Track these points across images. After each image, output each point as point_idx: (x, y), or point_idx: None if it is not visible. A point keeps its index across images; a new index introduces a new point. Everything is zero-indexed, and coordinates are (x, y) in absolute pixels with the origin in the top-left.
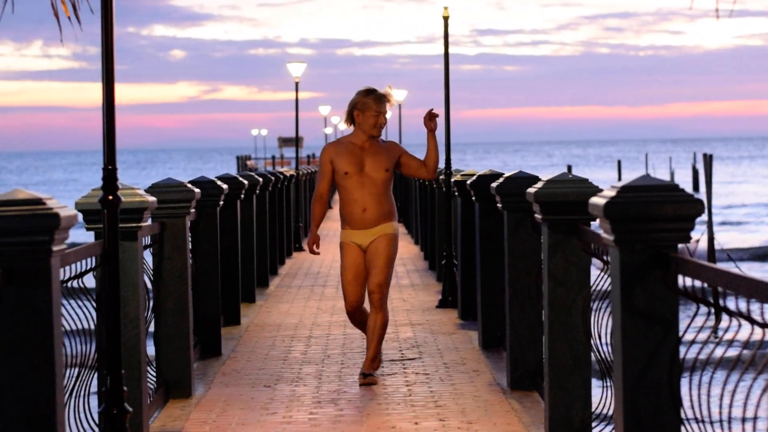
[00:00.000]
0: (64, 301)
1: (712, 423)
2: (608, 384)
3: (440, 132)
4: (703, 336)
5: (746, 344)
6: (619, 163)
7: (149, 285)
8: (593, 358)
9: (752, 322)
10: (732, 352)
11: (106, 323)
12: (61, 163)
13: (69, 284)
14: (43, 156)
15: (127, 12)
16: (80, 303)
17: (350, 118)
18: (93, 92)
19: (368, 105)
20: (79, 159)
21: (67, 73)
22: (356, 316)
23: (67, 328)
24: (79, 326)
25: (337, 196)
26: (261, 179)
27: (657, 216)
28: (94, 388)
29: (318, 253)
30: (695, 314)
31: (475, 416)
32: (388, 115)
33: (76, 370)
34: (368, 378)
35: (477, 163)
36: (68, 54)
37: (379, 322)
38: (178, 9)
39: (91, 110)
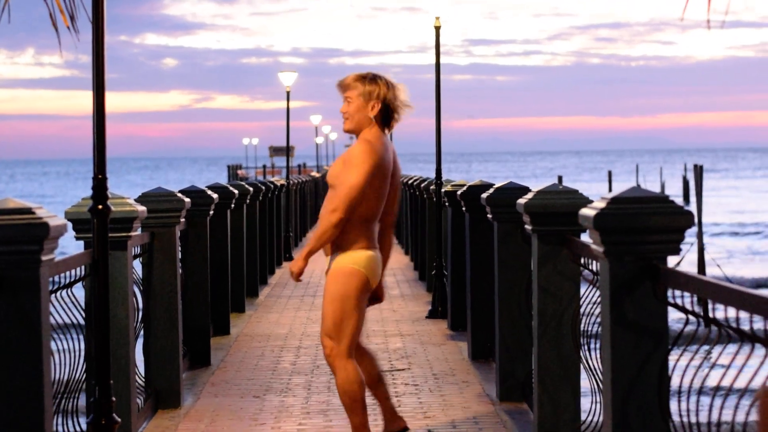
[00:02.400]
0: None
1: None
2: (597, 396)
3: (431, 141)
4: (692, 347)
5: (734, 356)
6: (609, 173)
7: (139, 295)
8: (582, 369)
9: (741, 334)
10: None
11: (95, 333)
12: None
13: (58, 294)
14: (34, 164)
15: (119, 20)
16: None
17: None
18: (85, 100)
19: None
20: (72, 168)
21: (60, 81)
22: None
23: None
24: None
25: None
26: (251, 189)
27: (646, 227)
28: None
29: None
30: (684, 326)
31: (465, 427)
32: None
33: (65, 379)
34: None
35: (467, 173)
36: (60, 62)
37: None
38: (170, 18)
39: (83, 118)
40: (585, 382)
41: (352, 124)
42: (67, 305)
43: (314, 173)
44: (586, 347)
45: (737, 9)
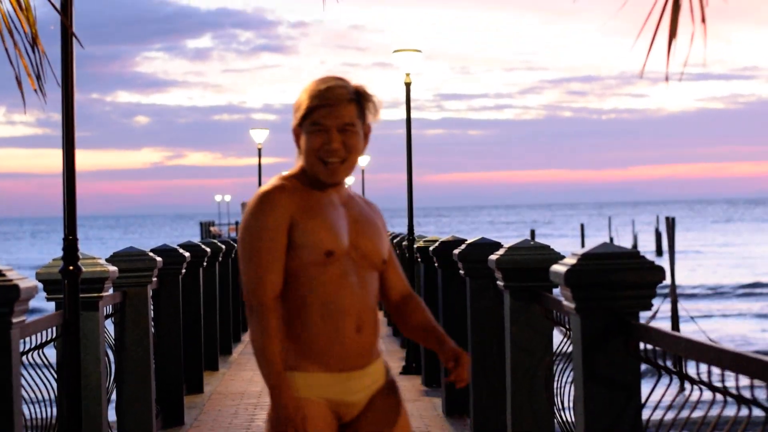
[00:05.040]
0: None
1: None
2: None
3: (402, 196)
4: (666, 402)
5: (707, 412)
6: (582, 227)
7: (111, 354)
8: (556, 424)
9: (714, 389)
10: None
11: (67, 393)
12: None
13: (29, 355)
14: (4, 223)
15: (91, 79)
16: (40, 374)
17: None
18: (57, 159)
19: (302, 113)
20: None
21: (31, 140)
22: None
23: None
24: (39, 397)
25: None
26: (223, 246)
27: (618, 283)
28: None
29: None
30: (657, 381)
31: None
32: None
33: None
34: None
35: (439, 226)
36: (32, 120)
37: None
38: (142, 75)
39: (55, 177)
40: None
41: (350, 165)
42: (38, 366)
43: None
44: (559, 402)
45: (707, 61)
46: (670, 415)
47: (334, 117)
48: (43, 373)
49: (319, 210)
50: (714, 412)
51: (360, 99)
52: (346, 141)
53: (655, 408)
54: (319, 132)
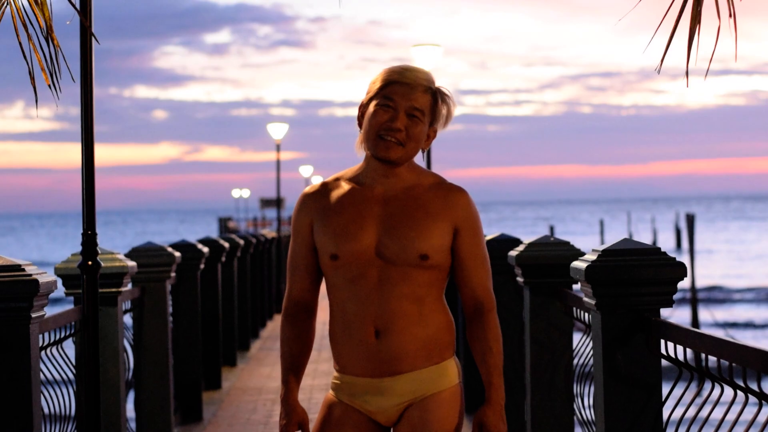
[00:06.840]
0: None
1: None
2: None
3: None
4: (686, 400)
5: (728, 410)
6: (601, 223)
7: (129, 349)
8: (576, 421)
9: (736, 387)
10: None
11: (86, 389)
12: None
13: (48, 350)
14: (23, 218)
15: (109, 73)
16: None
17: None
18: (74, 153)
19: (377, 87)
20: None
21: (49, 135)
22: None
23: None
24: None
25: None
26: (242, 242)
27: (638, 280)
28: None
29: None
30: (677, 378)
31: None
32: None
33: None
34: None
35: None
36: (50, 115)
37: None
38: (160, 70)
39: (73, 172)
40: None
41: (407, 152)
42: (57, 361)
43: None
44: (579, 399)
45: (727, 57)
46: (690, 414)
47: (406, 97)
48: (62, 368)
49: (336, 210)
50: (735, 410)
51: (436, 95)
52: (410, 127)
53: (676, 406)
54: (387, 108)
